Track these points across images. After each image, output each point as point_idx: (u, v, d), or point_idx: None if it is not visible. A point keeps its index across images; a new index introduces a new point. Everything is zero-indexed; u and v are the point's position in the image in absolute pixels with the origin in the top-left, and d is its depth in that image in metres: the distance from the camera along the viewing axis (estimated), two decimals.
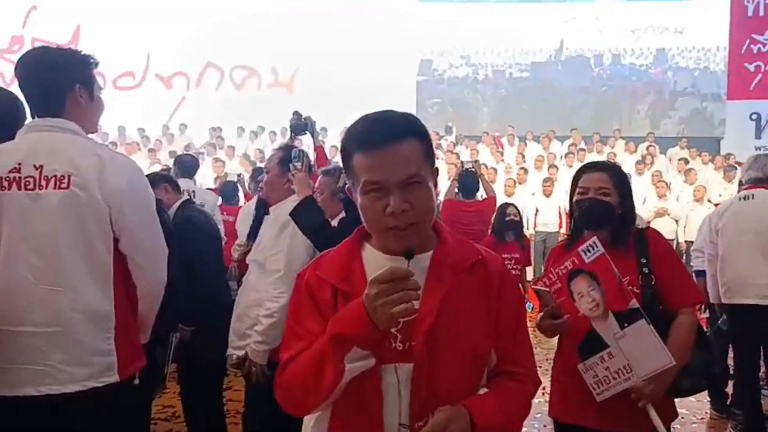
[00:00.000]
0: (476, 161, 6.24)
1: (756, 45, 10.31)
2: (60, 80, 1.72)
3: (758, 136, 9.16)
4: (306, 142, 3.78)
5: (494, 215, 5.42)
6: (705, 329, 1.92)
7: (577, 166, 9.99)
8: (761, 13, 10.34)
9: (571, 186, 2.06)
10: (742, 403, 3.59)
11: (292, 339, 1.22)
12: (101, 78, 2.07)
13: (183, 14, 12.64)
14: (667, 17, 12.69)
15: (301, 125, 3.21)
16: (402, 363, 1.15)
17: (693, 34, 12.62)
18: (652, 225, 6.00)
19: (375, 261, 1.19)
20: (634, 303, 1.75)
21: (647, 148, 10.49)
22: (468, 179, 5.56)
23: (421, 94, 13.20)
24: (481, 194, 5.88)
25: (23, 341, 1.62)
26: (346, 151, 1.19)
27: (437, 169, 1.21)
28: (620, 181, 2.01)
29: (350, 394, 1.15)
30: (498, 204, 5.64)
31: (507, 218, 5.27)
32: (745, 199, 3.48)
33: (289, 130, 3.30)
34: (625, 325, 1.75)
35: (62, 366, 1.62)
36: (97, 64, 1.80)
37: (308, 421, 1.26)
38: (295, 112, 3.28)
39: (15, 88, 1.87)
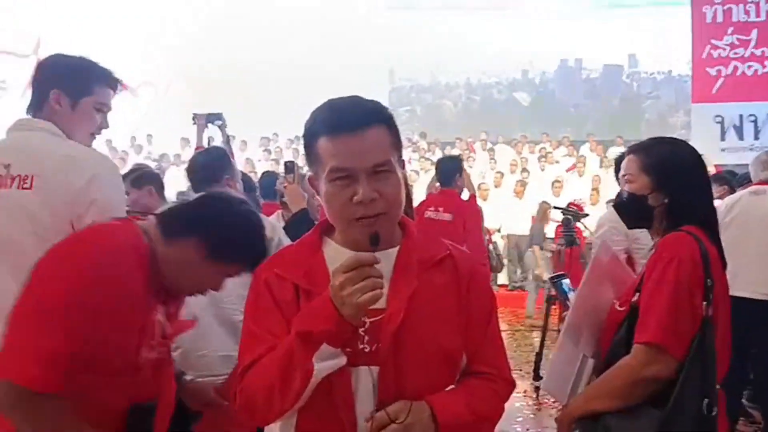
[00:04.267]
0: (459, 157, 6.04)
1: (716, 50, 10.60)
2: (42, 83, 1.75)
3: (723, 138, 9.39)
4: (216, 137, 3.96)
5: None
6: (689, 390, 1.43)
7: (549, 169, 10.18)
8: (719, 20, 10.64)
9: None
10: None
11: (252, 342, 1.13)
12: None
13: (150, 23, 12.45)
14: (634, 24, 12.98)
15: (214, 115, 3.60)
16: (369, 366, 1.09)
17: (658, 40, 12.93)
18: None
19: (337, 257, 1.12)
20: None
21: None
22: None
23: (392, 101, 13.25)
24: None
25: None
26: (310, 136, 1.12)
27: (403, 161, 1.16)
28: (654, 161, 1.57)
29: (318, 400, 1.08)
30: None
31: None
32: (756, 194, 3.48)
33: (203, 118, 3.59)
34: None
35: None
36: (98, 78, 1.76)
37: (272, 431, 1.18)
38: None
39: None
